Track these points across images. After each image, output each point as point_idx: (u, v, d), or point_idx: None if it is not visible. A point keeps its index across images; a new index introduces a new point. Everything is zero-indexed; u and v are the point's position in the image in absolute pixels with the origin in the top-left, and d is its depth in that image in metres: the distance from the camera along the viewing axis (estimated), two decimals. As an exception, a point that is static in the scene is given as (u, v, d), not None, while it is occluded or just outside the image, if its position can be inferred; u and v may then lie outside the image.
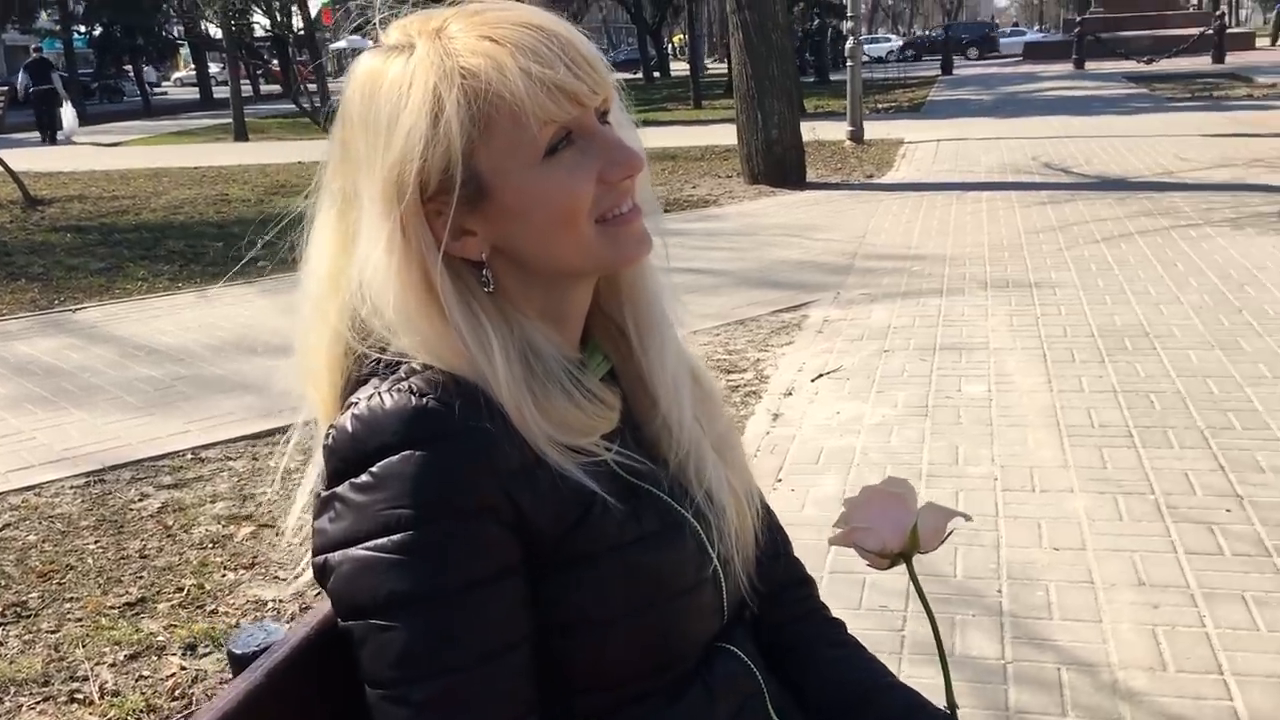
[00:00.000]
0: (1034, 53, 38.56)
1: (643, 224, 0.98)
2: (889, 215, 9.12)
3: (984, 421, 4.20)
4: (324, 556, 0.90)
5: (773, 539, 1.16)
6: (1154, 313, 5.59)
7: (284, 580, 3.25)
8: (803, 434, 4.21)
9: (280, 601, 3.14)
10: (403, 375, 0.91)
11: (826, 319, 5.92)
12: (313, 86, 16.84)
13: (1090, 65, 28.70)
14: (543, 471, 0.91)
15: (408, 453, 0.86)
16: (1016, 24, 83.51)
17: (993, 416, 4.25)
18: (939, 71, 31.29)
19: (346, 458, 0.89)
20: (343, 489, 0.89)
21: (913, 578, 0.95)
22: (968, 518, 0.97)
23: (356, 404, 0.90)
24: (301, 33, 17.40)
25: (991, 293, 6.24)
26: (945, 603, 2.85)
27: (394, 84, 0.90)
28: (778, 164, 11.19)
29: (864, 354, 5.20)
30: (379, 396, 0.89)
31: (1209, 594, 2.85)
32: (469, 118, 0.89)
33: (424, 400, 0.88)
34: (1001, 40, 47.43)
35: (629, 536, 0.94)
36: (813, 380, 4.86)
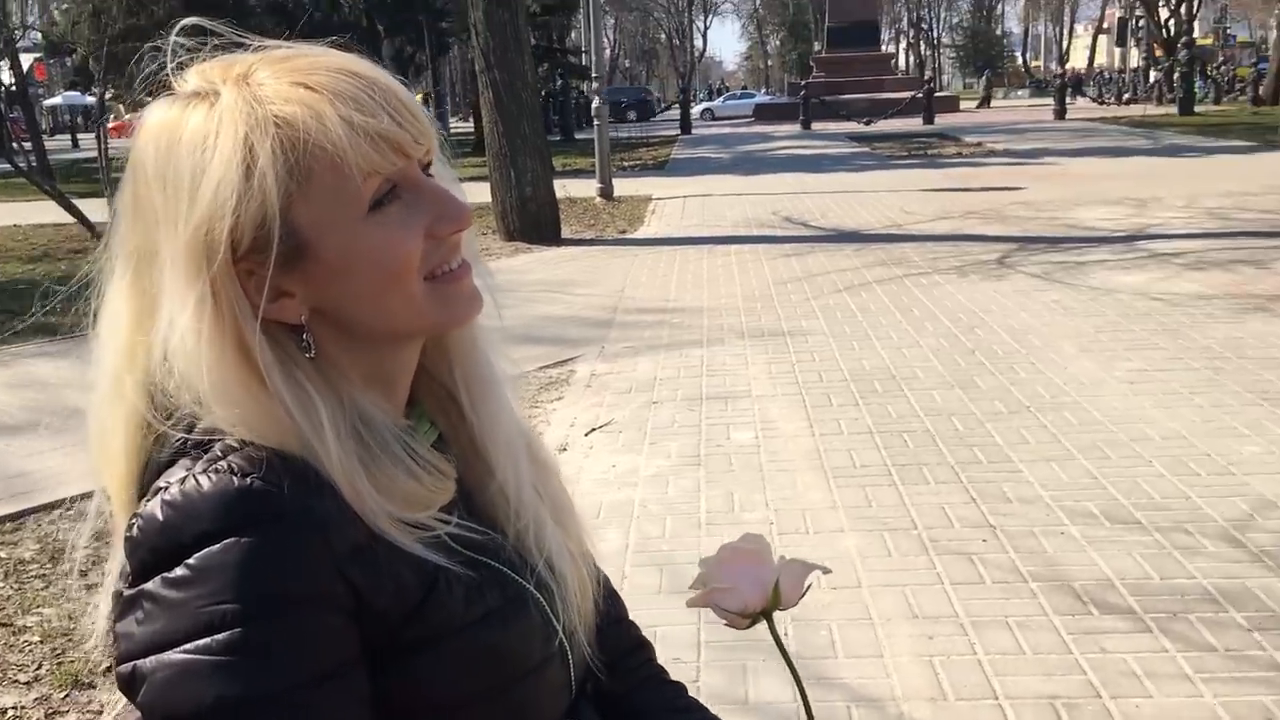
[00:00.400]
0: (764, 114, 40.77)
1: (473, 281, 0.93)
2: (645, 269, 9.32)
3: (755, 467, 4.31)
4: (132, 664, 0.79)
5: (611, 604, 1.12)
6: (898, 356, 5.92)
7: (25, 684, 2.93)
8: (581, 489, 4.18)
9: (22, 708, 2.83)
10: (219, 454, 0.82)
11: (594, 373, 5.95)
12: (28, 145, 15.65)
13: (816, 126, 30.50)
14: (381, 550, 0.84)
15: (231, 540, 0.78)
16: (745, 86, 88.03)
17: (762, 462, 4.37)
18: (679, 131, 32.50)
19: (156, 549, 0.79)
20: (153, 585, 0.79)
21: (774, 635, 0.93)
22: (826, 570, 0.97)
23: (166, 488, 0.80)
24: (13, 88, 16.19)
25: (749, 342, 6.45)
26: (733, 650, 2.86)
27: (197, 134, 0.82)
28: (533, 221, 11.26)
29: (634, 406, 5.25)
30: (194, 479, 0.80)
31: (976, 621, 3.00)
32: (286, 170, 0.81)
33: (248, 480, 0.79)
34: (722, 103, 50.51)
35: (475, 614, 0.88)
36: (586, 435, 4.86)
